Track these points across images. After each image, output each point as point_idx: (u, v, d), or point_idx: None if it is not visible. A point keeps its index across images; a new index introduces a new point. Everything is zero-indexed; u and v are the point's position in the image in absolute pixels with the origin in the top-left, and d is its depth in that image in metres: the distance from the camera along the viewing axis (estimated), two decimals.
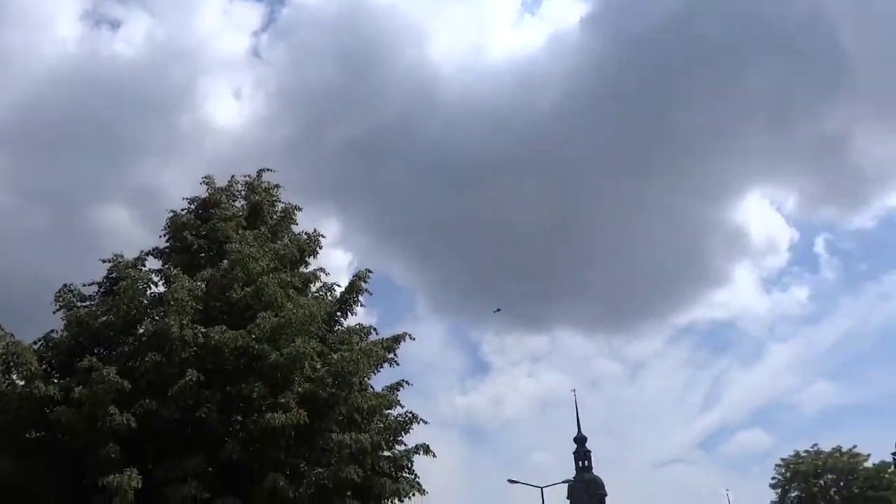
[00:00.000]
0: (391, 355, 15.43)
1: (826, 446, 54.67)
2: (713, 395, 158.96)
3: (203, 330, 13.45)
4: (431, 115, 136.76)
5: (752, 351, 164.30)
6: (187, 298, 13.65)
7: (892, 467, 55.08)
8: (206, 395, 13.15)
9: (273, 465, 13.03)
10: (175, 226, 16.38)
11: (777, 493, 55.42)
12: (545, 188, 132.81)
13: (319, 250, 17.32)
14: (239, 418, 13.60)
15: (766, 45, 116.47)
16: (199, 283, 14.34)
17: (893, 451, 58.41)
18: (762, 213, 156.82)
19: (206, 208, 16.57)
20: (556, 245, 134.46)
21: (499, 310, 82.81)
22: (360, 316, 16.62)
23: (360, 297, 16.29)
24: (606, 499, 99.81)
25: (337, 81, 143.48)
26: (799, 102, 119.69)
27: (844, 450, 53.80)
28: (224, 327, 13.54)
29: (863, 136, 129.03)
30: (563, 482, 59.16)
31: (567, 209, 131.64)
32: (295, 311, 13.97)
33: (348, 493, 13.38)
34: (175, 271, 14.60)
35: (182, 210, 16.79)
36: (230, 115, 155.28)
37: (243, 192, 17.48)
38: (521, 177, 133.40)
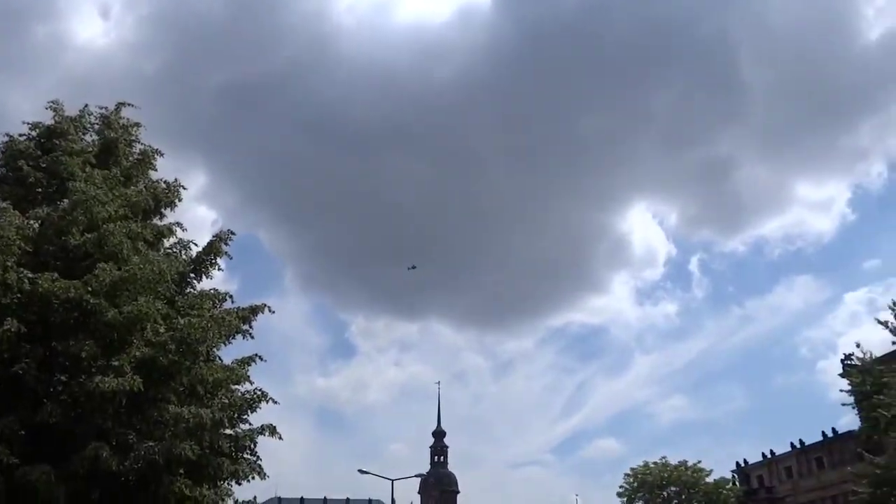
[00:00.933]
0: (246, 327, 14.41)
1: (674, 459, 57.65)
2: (575, 401, 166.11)
3: (30, 275, 11.99)
4: (324, 70, 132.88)
5: (618, 360, 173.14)
6: (14, 237, 12.06)
7: (731, 483, 58.97)
8: (27, 350, 11.82)
9: (97, 433, 11.82)
10: (10, 153, 14.63)
11: (623, 502, 57.79)
12: (434, 168, 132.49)
13: (178, 202, 15.99)
14: (63, 378, 12.41)
15: (671, 62, 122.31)
16: (31, 222, 12.88)
17: (733, 468, 62.85)
18: (645, 226, 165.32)
19: (50, 138, 14.91)
20: (440, 230, 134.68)
21: (414, 267, 79.95)
22: (217, 281, 15.39)
23: (220, 261, 15.07)
24: (458, 496, 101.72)
25: (224, 15, 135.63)
26: (694, 124, 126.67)
27: (689, 464, 56.92)
28: (56, 275, 12.16)
29: (746, 166, 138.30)
30: (416, 476, 59.10)
31: (455, 193, 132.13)
32: (142, 266, 12.69)
33: (181, 472, 12.32)
34: (4, 205, 12.90)
35: (21, 136, 15.02)
36: (94, 34, 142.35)
37: (96, 126, 15.94)
38: (411, 152, 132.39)
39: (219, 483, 13.42)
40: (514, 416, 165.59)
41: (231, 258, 15.26)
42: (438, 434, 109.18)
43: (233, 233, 15.02)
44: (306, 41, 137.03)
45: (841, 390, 33.56)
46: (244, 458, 13.50)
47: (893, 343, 29.87)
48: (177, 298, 13.94)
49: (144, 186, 15.34)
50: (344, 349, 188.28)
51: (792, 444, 57.75)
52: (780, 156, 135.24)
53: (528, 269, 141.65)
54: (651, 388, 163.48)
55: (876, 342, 31.63)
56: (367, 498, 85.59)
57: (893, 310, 29.40)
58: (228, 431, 13.36)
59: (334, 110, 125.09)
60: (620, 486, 58.41)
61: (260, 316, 14.55)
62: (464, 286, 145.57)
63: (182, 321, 12.83)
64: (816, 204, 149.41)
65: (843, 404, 33.93)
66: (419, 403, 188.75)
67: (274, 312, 14.78)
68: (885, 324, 29.51)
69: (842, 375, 36.09)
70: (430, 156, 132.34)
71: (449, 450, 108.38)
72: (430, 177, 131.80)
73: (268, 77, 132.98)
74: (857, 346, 32.90)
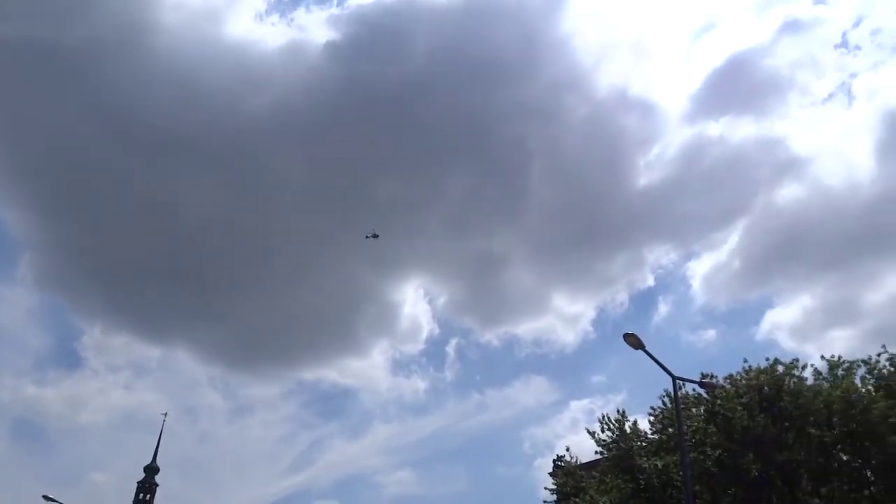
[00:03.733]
0: None
1: None
2: (307, 457, 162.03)
3: None
4: (132, 62, 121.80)
5: (358, 424, 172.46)
6: None
7: None
8: None
9: None
10: None
11: None
12: (226, 192, 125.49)
13: None
14: None
15: (472, 153, 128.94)
16: None
17: None
18: (416, 301, 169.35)
19: None
20: (215, 255, 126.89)
21: (376, 236, 72.98)
22: None
23: None
24: None
25: None
26: (480, 215, 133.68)
27: None
28: None
29: (516, 267, 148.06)
30: None
31: (242, 223, 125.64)
32: None
33: None
34: None
35: None
36: None
37: None
38: (205, 169, 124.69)
39: None
40: (240, 463, 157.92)
41: None
42: (151, 469, 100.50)
43: None
44: (118, 25, 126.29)
45: (546, 488, 36.08)
46: None
47: (596, 452, 32.93)
48: None
49: None
50: (68, 359, 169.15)
51: None
52: (546, 266, 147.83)
53: (294, 317, 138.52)
54: (383, 457, 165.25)
55: (586, 448, 34.41)
56: None
57: (601, 423, 32.57)
58: None
59: (133, 106, 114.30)
60: None
61: None
62: (223, 319, 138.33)
63: None
64: (567, 316, 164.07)
65: (545, 502, 36.40)
66: (139, 433, 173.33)
67: None
68: (592, 434, 32.53)
69: (550, 474, 38.84)
70: (226, 179, 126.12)
71: (158, 488, 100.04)
72: (220, 199, 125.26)
73: (64, 43, 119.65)
74: (567, 449, 36.15)
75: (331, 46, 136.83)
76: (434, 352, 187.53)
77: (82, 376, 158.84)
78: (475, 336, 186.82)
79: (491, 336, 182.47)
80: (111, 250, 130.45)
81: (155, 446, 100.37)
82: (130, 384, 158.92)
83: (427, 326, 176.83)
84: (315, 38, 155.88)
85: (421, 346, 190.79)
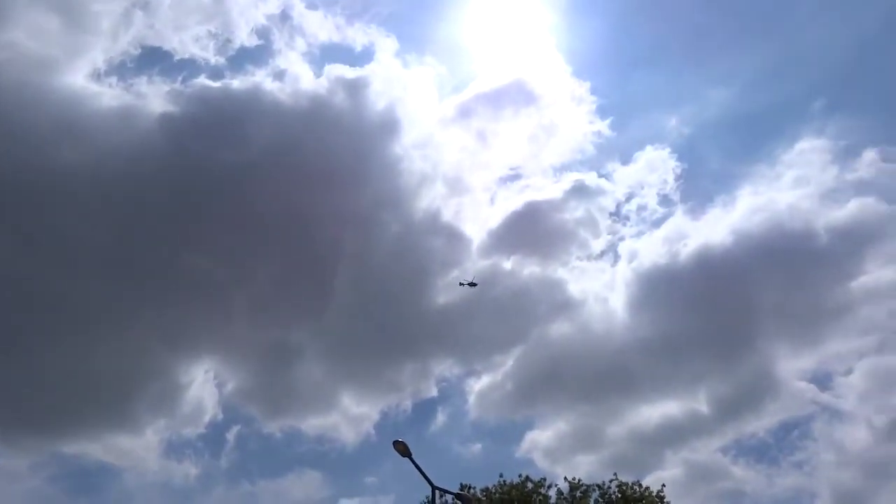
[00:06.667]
0: None
1: None
2: None
3: None
4: None
5: None
6: None
7: None
8: None
9: None
10: None
11: None
12: (24, 244, 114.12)
13: None
14: None
15: (287, 243, 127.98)
16: None
17: None
18: (204, 384, 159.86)
19: None
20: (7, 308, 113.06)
21: (473, 284, 64.91)
22: None
23: None
24: None
25: None
26: (284, 303, 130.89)
27: None
28: None
29: (310, 362, 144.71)
30: None
31: (30, 277, 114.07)
32: None
33: None
34: None
35: None
36: None
37: None
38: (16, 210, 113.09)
39: None
40: None
41: None
42: None
43: None
44: None
45: None
46: None
47: None
48: None
49: None
50: None
51: None
52: (339, 365, 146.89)
53: (64, 384, 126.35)
54: None
55: None
56: None
57: None
58: None
59: None
60: None
61: None
62: None
63: None
64: (353, 416, 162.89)
65: None
66: None
67: None
68: None
69: None
70: (20, 229, 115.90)
71: None
72: (7, 250, 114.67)
73: None
74: None
75: (166, 119, 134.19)
76: (214, 437, 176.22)
77: None
78: (258, 425, 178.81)
79: (274, 427, 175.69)
80: None
81: None
82: None
83: (211, 411, 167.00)
84: (152, 107, 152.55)
85: (201, 430, 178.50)
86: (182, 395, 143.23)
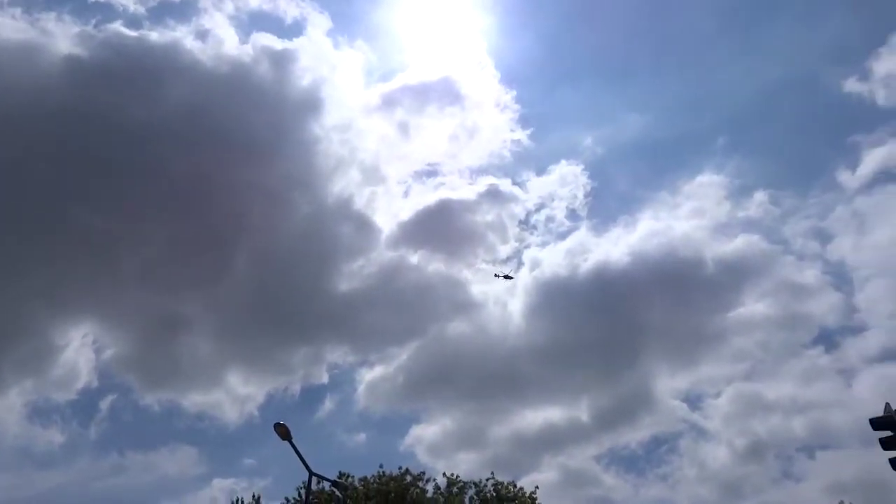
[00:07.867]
0: None
1: None
2: None
3: None
4: None
5: None
6: None
7: None
8: None
9: None
10: None
11: None
12: None
13: None
14: None
15: (187, 206, 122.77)
16: None
17: None
18: (81, 347, 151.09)
19: None
20: None
21: (509, 277, 66.14)
22: None
23: None
24: None
25: None
26: (177, 271, 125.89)
27: None
28: None
29: (196, 336, 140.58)
30: None
31: None
32: None
33: None
34: None
35: None
36: None
37: None
38: None
39: None
40: None
41: None
42: None
43: None
44: None
45: None
46: None
47: None
48: None
49: None
50: None
51: None
52: (228, 342, 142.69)
53: None
54: None
55: None
56: None
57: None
58: None
59: None
60: None
61: None
62: None
63: None
64: (237, 396, 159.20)
65: None
66: None
67: None
68: None
69: None
70: None
71: None
72: None
73: None
74: None
75: (72, 61, 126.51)
76: (85, 404, 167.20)
77: None
78: (135, 396, 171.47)
79: (152, 399, 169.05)
80: None
81: None
82: None
83: (86, 376, 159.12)
84: (58, 47, 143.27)
85: (72, 396, 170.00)
86: (55, 357, 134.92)
